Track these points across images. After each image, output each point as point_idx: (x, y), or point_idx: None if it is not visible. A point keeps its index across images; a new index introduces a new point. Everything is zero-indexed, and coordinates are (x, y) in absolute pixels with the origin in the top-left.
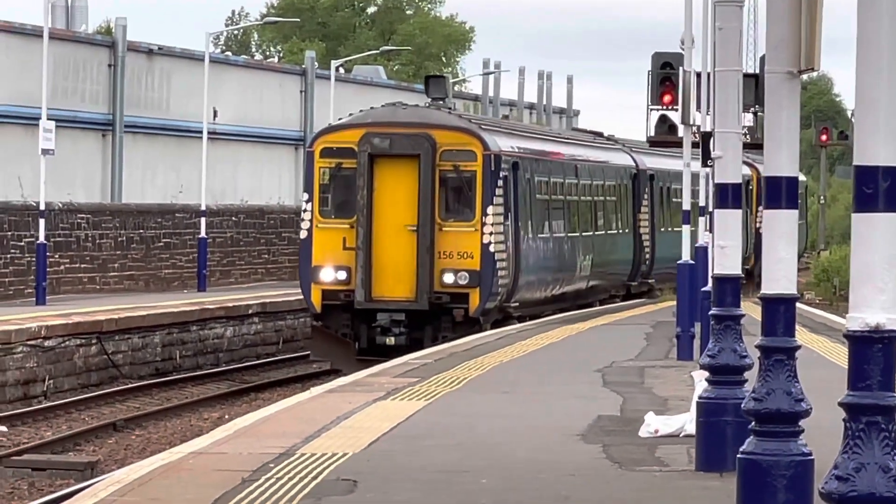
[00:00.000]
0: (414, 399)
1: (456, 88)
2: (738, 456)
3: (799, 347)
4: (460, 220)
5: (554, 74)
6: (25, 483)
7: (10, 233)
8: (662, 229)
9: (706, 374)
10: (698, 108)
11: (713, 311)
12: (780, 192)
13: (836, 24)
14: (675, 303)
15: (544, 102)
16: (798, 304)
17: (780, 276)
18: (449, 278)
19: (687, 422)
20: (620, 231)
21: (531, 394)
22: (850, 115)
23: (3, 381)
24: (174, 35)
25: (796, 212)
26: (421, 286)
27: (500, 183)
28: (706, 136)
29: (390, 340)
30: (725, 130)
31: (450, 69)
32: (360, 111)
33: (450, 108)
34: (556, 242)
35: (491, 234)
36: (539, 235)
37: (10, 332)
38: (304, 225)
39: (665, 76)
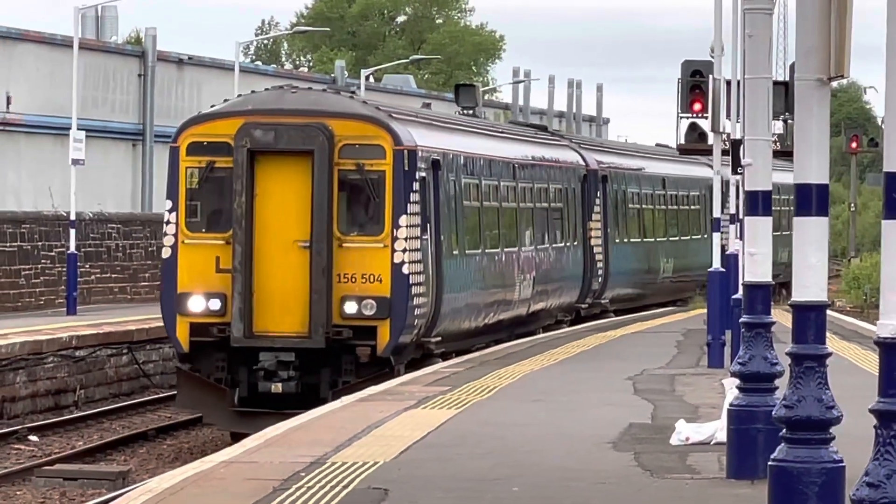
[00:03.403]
0: (445, 407)
1: (486, 97)
2: (770, 463)
3: (830, 355)
4: (365, 233)
5: (584, 83)
6: (57, 493)
7: (40, 243)
8: (618, 241)
9: (737, 381)
10: (728, 115)
11: (743, 318)
12: (810, 199)
13: (866, 31)
14: (705, 310)
15: (574, 111)
16: (829, 312)
17: (810, 283)
18: (351, 308)
19: (718, 429)
20: (567, 244)
21: (562, 402)
22: (880, 123)
23: (34, 392)
24: (204, 45)
25: (826, 219)
26: (315, 318)
27: (417, 186)
28: (736, 144)
29: (276, 387)
30: (755, 138)
31: (480, 78)
32: (239, 96)
33: (352, 93)
34: (489, 260)
35: (404, 251)
36: (467, 252)
37: (42, 343)
38: (167, 241)
39: (695, 84)
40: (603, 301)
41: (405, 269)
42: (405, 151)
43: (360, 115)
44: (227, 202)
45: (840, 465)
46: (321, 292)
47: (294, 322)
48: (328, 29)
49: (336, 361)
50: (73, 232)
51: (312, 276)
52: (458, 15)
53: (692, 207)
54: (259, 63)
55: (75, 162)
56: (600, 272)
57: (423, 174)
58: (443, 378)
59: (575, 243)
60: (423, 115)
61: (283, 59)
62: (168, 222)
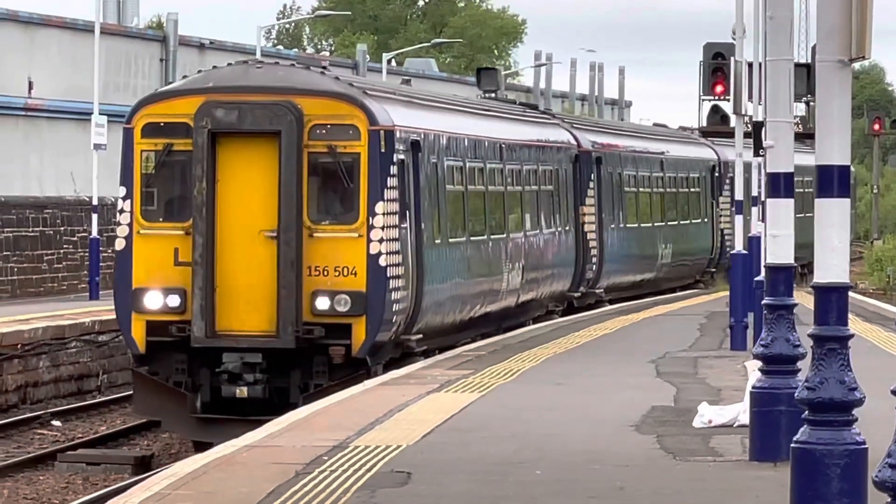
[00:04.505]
0: (467, 391)
1: (508, 81)
2: (792, 445)
3: (852, 336)
4: (338, 222)
5: (606, 66)
6: (80, 478)
7: (63, 228)
8: (613, 226)
9: (759, 363)
10: (750, 97)
11: (766, 300)
12: (832, 181)
13: (888, 13)
14: (728, 293)
15: (596, 94)
16: (851, 294)
17: (832, 264)
18: (323, 304)
19: (741, 412)
20: (559, 229)
21: (584, 385)
22: None
23: (57, 377)
24: (225, 29)
25: (848, 200)
26: (284, 315)
27: (394, 170)
28: (758, 126)
29: (241, 392)
30: (777, 120)
31: (502, 62)
32: (199, 72)
33: (323, 68)
34: (475, 248)
35: (381, 241)
36: (450, 240)
37: (64, 328)
38: (121, 231)
39: (716, 66)
40: (597, 290)
41: (382, 261)
42: (381, 132)
43: (331, 93)
44: (187, 189)
45: (863, 446)
46: (290, 287)
47: (261, 320)
48: (349, 13)
49: (307, 363)
50: (95, 217)
51: (280, 269)
52: None
53: (692, 190)
54: (281, 48)
55: (97, 147)
56: (594, 259)
57: (402, 156)
58: (465, 362)
59: (567, 229)
60: (401, 93)
61: (305, 43)
62: (122, 211)
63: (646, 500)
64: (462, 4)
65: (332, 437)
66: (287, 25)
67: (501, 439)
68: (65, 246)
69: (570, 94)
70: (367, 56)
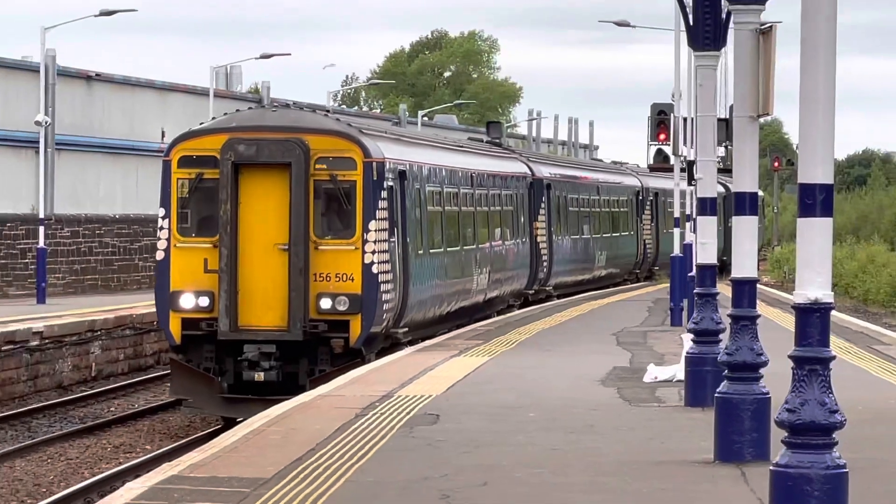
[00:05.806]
0: (480, 356)
1: (509, 131)
2: (716, 395)
3: (759, 316)
4: (338, 237)
5: (580, 119)
6: (198, 418)
7: None
8: (559, 237)
9: (692, 336)
10: (685, 143)
11: (696, 290)
12: (745, 204)
13: (785, 80)
14: (669, 284)
15: (573, 140)
16: (758, 285)
17: (745, 264)
18: (326, 304)
19: (678, 371)
20: (517, 240)
21: (565, 351)
22: (795, 148)
23: None
24: (305, 93)
25: (756, 218)
26: (294, 313)
27: (385, 194)
28: (690, 164)
29: (259, 376)
30: (705, 159)
31: (504, 116)
32: (225, 114)
33: (327, 111)
34: (450, 257)
35: (374, 252)
36: (430, 251)
37: None
38: (161, 245)
39: (660, 120)
40: (547, 288)
41: (374, 269)
42: (374, 163)
43: (333, 131)
44: (214, 209)
45: (767, 396)
46: (299, 290)
47: (275, 317)
48: (394, 81)
49: (313, 352)
50: None
51: (291, 275)
52: (489, 71)
53: (622, 210)
54: (344, 106)
55: None
56: (545, 263)
57: (391, 183)
58: (478, 334)
59: (524, 240)
60: (391, 132)
61: (362, 103)
62: (161, 228)
63: (609, 434)
64: (476, 75)
65: (382, 389)
66: (349, 90)
67: (505, 390)
68: None
69: (553, 140)
70: (407, 113)
